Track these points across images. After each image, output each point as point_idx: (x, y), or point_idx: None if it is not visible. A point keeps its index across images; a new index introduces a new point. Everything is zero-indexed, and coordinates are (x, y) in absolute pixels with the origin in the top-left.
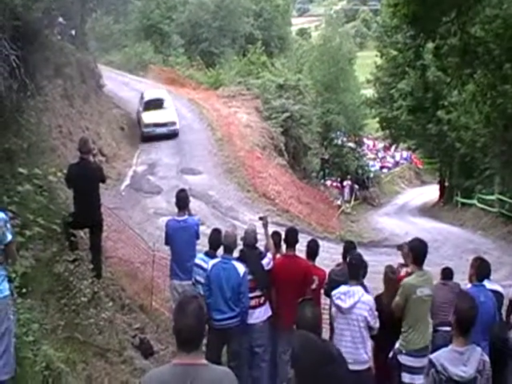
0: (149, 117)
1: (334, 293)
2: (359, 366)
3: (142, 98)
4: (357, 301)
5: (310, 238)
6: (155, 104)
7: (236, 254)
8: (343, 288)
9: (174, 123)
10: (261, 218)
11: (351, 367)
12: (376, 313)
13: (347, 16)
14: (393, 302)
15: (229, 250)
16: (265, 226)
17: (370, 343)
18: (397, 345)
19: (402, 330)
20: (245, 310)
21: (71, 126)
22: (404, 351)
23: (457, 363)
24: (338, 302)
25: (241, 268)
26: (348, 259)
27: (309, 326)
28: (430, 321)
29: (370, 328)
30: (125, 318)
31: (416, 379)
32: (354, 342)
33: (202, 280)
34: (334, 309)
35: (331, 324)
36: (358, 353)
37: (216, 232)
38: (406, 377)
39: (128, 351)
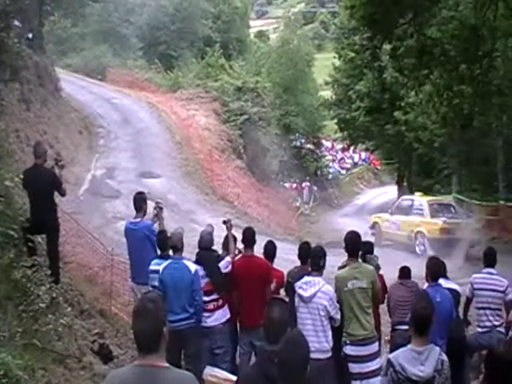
0: None
1: (296, 283)
2: (321, 355)
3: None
4: (317, 290)
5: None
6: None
7: (187, 253)
8: (305, 278)
9: None
10: (225, 222)
11: (313, 355)
12: (337, 304)
13: (305, 18)
14: None
15: (176, 249)
16: (229, 229)
17: (330, 333)
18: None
19: (344, 322)
20: (199, 307)
21: (29, 131)
22: (348, 342)
23: (415, 363)
24: (299, 291)
25: (192, 266)
26: (311, 251)
27: (276, 326)
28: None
29: (331, 319)
30: (84, 324)
31: (364, 367)
32: (316, 330)
33: None
34: (296, 298)
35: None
36: (319, 341)
37: (162, 233)
38: (353, 367)
39: (87, 357)
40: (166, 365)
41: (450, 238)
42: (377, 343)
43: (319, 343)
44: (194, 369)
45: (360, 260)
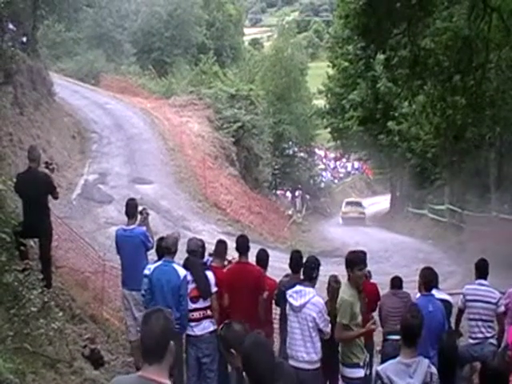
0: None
1: (287, 291)
2: (308, 365)
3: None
4: (307, 301)
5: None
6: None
7: (178, 260)
8: (297, 287)
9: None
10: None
11: (301, 365)
12: (327, 317)
13: (299, 27)
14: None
15: (168, 252)
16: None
17: (319, 344)
18: None
19: None
20: (184, 313)
21: (22, 134)
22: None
23: (403, 375)
24: (290, 299)
25: (181, 271)
26: (304, 261)
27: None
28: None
29: (320, 331)
30: (75, 328)
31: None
32: (304, 340)
33: None
34: (287, 306)
35: (281, 327)
36: (307, 351)
37: (159, 240)
38: None
39: (78, 362)
40: (168, 382)
41: (348, 216)
42: (354, 370)
43: (307, 354)
44: (173, 374)
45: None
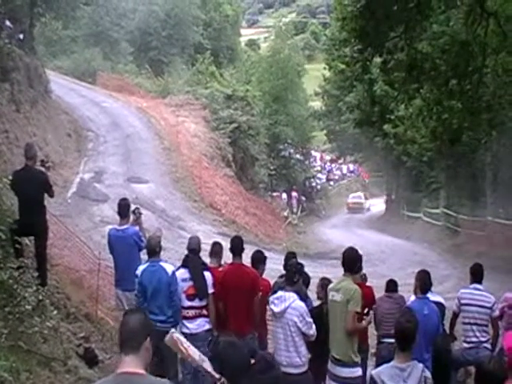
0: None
1: (269, 298)
2: (293, 369)
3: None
4: (287, 306)
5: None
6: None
7: (175, 260)
8: (278, 293)
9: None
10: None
11: (285, 370)
12: (310, 319)
13: (296, 28)
14: None
15: (153, 252)
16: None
17: (304, 348)
18: None
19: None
20: (176, 309)
21: (18, 132)
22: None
23: (397, 380)
24: (271, 306)
25: (169, 267)
26: (287, 266)
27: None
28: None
29: (304, 334)
30: (70, 327)
31: None
32: (287, 345)
33: None
34: (269, 313)
35: None
36: (290, 356)
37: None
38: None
39: (72, 360)
40: (143, 372)
41: (353, 206)
42: (355, 369)
43: (290, 358)
44: (168, 373)
45: (354, 277)
